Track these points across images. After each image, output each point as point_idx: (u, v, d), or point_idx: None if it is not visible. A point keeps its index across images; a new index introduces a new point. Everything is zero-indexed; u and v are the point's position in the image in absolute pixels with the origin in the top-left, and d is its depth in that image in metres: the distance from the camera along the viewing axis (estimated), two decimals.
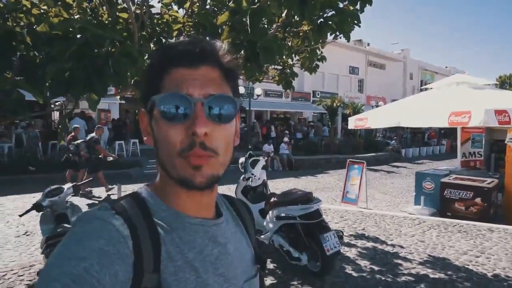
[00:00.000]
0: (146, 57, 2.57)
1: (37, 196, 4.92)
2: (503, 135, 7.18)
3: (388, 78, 32.36)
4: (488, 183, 6.65)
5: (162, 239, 0.60)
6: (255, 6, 1.86)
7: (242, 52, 2.02)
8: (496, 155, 8.29)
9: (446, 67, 40.84)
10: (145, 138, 0.68)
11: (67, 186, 3.64)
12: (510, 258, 4.69)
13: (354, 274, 4.14)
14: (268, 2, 2.10)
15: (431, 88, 9.23)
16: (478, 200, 6.52)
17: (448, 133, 24.78)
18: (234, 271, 0.68)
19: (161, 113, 0.60)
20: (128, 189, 9.01)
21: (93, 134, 7.91)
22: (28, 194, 8.24)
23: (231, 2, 2.52)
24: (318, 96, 25.64)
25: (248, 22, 1.88)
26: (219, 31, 2.16)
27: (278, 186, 10.07)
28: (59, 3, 2.27)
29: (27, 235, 5.56)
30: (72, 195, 3.68)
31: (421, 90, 14.05)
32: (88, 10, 3.15)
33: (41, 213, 3.52)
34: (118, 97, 3.88)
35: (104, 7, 3.51)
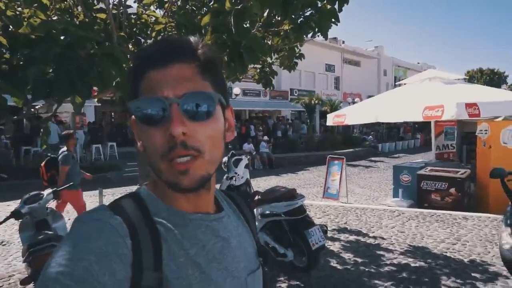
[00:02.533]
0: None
1: (12, 204, 4.75)
2: (473, 127, 7.49)
3: (363, 75, 33.03)
4: (461, 174, 6.92)
5: (163, 237, 0.61)
6: (239, 7, 1.88)
7: (225, 52, 2.03)
8: (467, 146, 8.62)
9: (418, 63, 42.10)
10: (138, 144, 0.67)
11: (46, 192, 3.54)
12: (484, 244, 4.91)
13: (339, 267, 4.24)
14: (251, 2, 2.13)
15: (404, 84, 9.52)
16: (452, 190, 6.78)
17: (422, 127, 25.60)
18: (237, 264, 0.69)
19: (138, 118, 0.60)
20: (108, 193, 8.83)
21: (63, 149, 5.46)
22: (1, 202, 7.94)
23: (212, 3, 2.53)
24: (295, 94, 25.89)
25: (232, 22, 1.90)
26: (202, 31, 2.17)
27: (260, 184, 10.13)
28: (35, 4, 2.21)
29: (3, 245, 5.36)
30: (53, 201, 3.58)
31: (396, 86, 14.44)
32: (63, 11, 3.08)
33: (20, 220, 3.42)
34: (96, 99, 3.80)
35: (79, 8, 3.45)
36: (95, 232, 0.56)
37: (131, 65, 0.67)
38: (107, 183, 10.26)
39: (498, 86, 41.76)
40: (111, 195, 8.98)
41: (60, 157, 5.31)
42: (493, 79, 54.59)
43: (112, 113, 20.87)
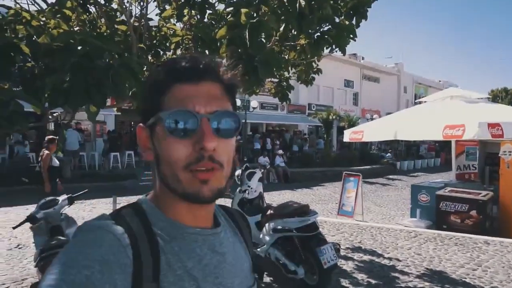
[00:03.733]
0: (145, 68, 2.59)
1: (30, 208, 4.85)
2: (496, 148, 7.25)
3: (382, 92, 32.70)
4: (483, 196, 6.68)
5: (162, 248, 0.61)
6: (254, 21, 1.89)
7: (240, 65, 2.04)
8: (490, 167, 8.33)
9: (440, 81, 41.40)
10: (143, 154, 0.68)
11: (62, 198, 3.60)
12: (506, 271, 4.68)
13: (351, 287, 4.11)
14: (266, 17, 2.14)
15: (425, 102, 9.34)
16: (473, 212, 6.54)
17: (442, 146, 25.00)
18: (232, 280, 0.69)
19: (167, 129, 0.61)
20: (123, 201, 8.93)
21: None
22: (21, 206, 8.13)
23: (229, 16, 2.56)
24: (313, 109, 25.80)
25: (247, 36, 1.91)
26: (218, 44, 2.19)
27: (273, 198, 10.04)
28: (58, 15, 2.29)
29: (19, 248, 5.47)
30: (68, 207, 3.63)
31: (416, 103, 14.22)
32: (87, 22, 3.18)
33: (35, 225, 3.47)
34: (115, 108, 3.87)
35: (103, 19, 3.56)
36: (97, 241, 0.57)
37: (156, 75, 0.68)
38: (123, 191, 10.38)
39: None
40: (126, 202, 9.06)
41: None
42: None
43: (132, 123, 21.28)
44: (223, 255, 0.68)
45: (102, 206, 8.84)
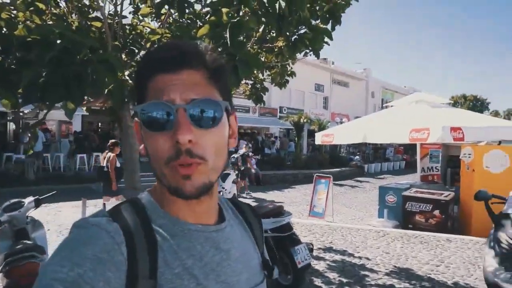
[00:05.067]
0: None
1: None
2: (457, 151, 7.66)
3: (351, 96, 33.63)
4: (445, 196, 7.03)
5: (160, 245, 0.60)
6: (235, 20, 1.91)
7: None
8: (451, 169, 8.79)
9: (405, 86, 43.15)
10: (140, 148, 0.66)
11: (28, 200, 3.43)
12: (467, 266, 4.95)
13: (324, 286, 4.20)
14: (247, 17, 2.17)
15: (392, 106, 9.71)
16: (436, 212, 6.86)
17: (406, 149, 26.04)
18: (238, 277, 0.66)
19: (143, 122, 0.59)
20: (91, 204, 8.61)
21: (244, 150, 9.03)
22: None
23: (208, 16, 2.57)
24: (285, 112, 26.10)
25: (228, 35, 1.93)
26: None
27: (246, 200, 10.06)
28: (31, 8, 2.21)
29: None
30: (34, 210, 3.47)
31: (383, 107, 14.72)
32: (59, 17, 3.08)
33: None
34: (84, 108, 3.76)
35: (74, 15, 3.45)
36: (91, 238, 0.55)
37: (138, 68, 0.66)
38: (91, 194, 10.02)
39: (480, 112, 43.02)
40: (93, 206, 8.76)
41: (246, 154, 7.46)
42: (476, 105, 56.35)
43: (99, 123, 20.61)
44: (228, 251, 0.66)
45: (69, 210, 8.50)
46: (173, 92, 0.58)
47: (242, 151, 9.29)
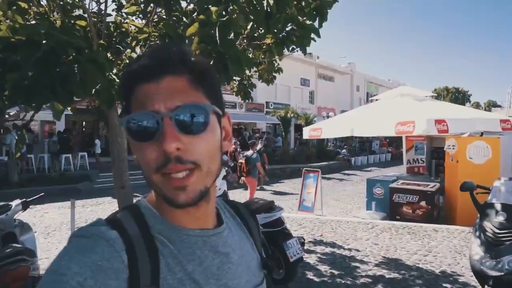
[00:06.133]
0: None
1: None
2: (442, 142, 7.82)
3: (337, 90, 33.90)
4: (431, 187, 7.18)
5: (161, 252, 0.60)
6: (224, 19, 1.91)
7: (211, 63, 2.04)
8: (436, 161, 8.98)
9: (389, 79, 43.72)
10: (134, 157, 0.65)
11: (15, 202, 3.37)
12: (453, 255, 5.09)
13: (316, 279, 4.26)
14: (235, 15, 2.16)
15: (377, 100, 9.85)
16: (423, 203, 7.01)
17: (391, 141, 26.46)
18: (238, 280, 0.67)
19: (130, 134, 0.59)
20: (78, 204, 8.50)
21: (260, 146, 9.35)
22: None
23: (196, 14, 2.55)
24: (271, 107, 26.16)
25: (217, 34, 1.92)
26: (186, 41, 2.17)
27: (235, 196, 10.07)
28: (14, 7, 2.15)
29: None
30: (21, 212, 3.41)
31: (368, 101, 14.90)
32: (42, 16, 3.01)
33: None
34: (69, 108, 3.69)
35: (56, 14, 3.37)
36: (90, 246, 0.55)
37: (121, 79, 0.65)
38: (77, 194, 9.88)
39: (462, 103, 44.06)
40: (81, 206, 8.65)
41: (254, 156, 8.60)
42: (458, 97, 57.59)
43: (83, 122, 20.25)
44: (227, 255, 0.66)
45: (55, 211, 8.36)
46: (156, 101, 0.57)
47: (250, 152, 9.13)
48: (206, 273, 0.62)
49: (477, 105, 60.26)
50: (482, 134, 7.72)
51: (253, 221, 0.80)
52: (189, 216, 0.63)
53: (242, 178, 8.98)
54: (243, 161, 8.78)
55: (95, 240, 0.56)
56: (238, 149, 15.90)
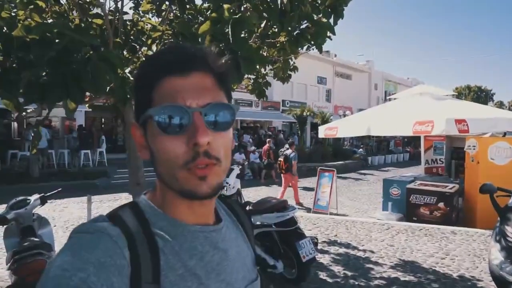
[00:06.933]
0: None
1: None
2: (462, 142, 7.60)
3: (354, 88, 33.43)
4: (450, 188, 7.00)
5: (161, 249, 0.60)
6: (237, 16, 1.89)
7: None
8: (456, 161, 8.74)
9: (408, 78, 42.83)
10: (140, 153, 0.66)
11: (33, 197, 3.46)
12: (472, 258, 4.94)
13: (329, 280, 4.21)
14: (248, 13, 2.14)
15: (395, 98, 9.65)
16: (441, 204, 6.84)
17: (410, 141, 25.91)
18: (236, 276, 0.68)
19: (158, 126, 0.59)
20: (96, 199, 8.68)
21: (290, 151, 9.30)
22: None
23: (209, 12, 2.54)
24: (287, 105, 26.02)
25: (230, 32, 1.90)
26: (199, 40, 2.17)
27: (250, 195, 10.08)
28: (31, 6, 2.19)
29: None
30: (40, 207, 3.49)
31: (386, 100, 14.64)
32: (60, 14, 3.07)
33: (5, 226, 3.32)
34: (87, 104, 3.76)
35: (75, 12, 3.43)
36: (93, 242, 0.56)
37: (143, 69, 0.66)
38: (95, 190, 10.09)
39: (485, 103, 42.73)
40: (99, 201, 8.83)
41: (292, 155, 9.15)
42: (480, 96, 55.91)
43: (103, 119, 20.65)
44: (225, 251, 0.68)
45: (74, 206, 8.56)
46: (188, 95, 0.59)
47: (288, 151, 9.21)
48: (207, 268, 0.63)
49: (500, 104, 58.37)
50: (505, 134, 7.47)
51: (247, 220, 0.82)
52: (192, 212, 0.65)
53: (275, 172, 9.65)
54: (282, 159, 9.25)
55: (99, 236, 0.57)
56: (273, 147, 15.90)
